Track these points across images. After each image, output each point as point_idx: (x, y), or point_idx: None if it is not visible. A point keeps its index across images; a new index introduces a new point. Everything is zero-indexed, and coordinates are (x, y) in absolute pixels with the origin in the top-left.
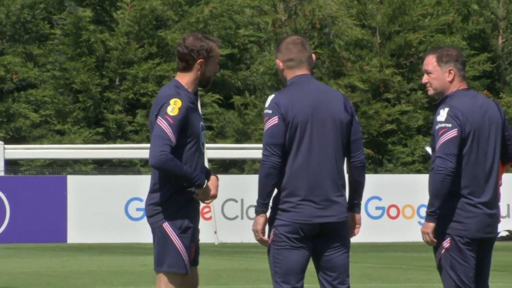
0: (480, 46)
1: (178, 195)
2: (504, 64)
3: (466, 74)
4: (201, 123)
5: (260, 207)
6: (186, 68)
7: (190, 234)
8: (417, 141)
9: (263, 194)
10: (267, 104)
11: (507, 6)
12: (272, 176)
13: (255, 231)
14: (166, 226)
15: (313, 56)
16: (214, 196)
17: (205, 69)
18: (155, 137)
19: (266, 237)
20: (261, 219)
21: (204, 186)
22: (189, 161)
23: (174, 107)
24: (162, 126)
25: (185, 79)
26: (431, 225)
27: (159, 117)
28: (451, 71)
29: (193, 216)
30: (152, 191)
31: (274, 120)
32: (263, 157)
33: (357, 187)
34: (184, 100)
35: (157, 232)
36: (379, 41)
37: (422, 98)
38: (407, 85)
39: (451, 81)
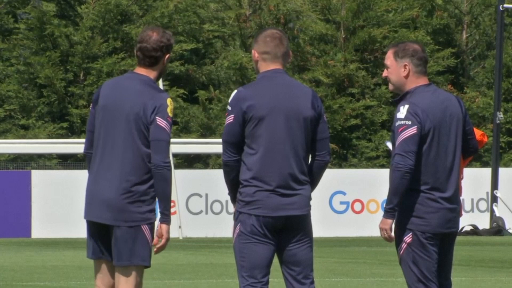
0: (444, 41)
1: (152, 189)
2: (468, 59)
3: (430, 69)
4: None
5: (231, 199)
6: (154, 64)
7: (153, 227)
8: (381, 136)
9: (228, 189)
10: (229, 99)
11: (471, 1)
12: (228, 172)
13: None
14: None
15: (290, 52)
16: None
17: (166, 63)
18: (163, 141)
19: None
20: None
21: None
22: None
23: (171, 107)
24: (168, 130)
25: (152, 74)
26: (389, 221)
27: (161, 119)
28: (406, 66)
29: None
30: (137, 182)
31: (230, 118)
32: (222, 155)
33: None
34: None
35: (134, 225)
36: (343, 36)
37: (386, 93)
38: (371, 80)
39: (406, 76)
